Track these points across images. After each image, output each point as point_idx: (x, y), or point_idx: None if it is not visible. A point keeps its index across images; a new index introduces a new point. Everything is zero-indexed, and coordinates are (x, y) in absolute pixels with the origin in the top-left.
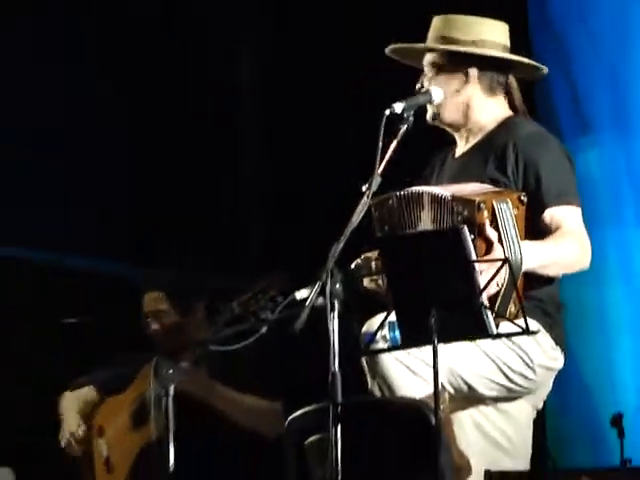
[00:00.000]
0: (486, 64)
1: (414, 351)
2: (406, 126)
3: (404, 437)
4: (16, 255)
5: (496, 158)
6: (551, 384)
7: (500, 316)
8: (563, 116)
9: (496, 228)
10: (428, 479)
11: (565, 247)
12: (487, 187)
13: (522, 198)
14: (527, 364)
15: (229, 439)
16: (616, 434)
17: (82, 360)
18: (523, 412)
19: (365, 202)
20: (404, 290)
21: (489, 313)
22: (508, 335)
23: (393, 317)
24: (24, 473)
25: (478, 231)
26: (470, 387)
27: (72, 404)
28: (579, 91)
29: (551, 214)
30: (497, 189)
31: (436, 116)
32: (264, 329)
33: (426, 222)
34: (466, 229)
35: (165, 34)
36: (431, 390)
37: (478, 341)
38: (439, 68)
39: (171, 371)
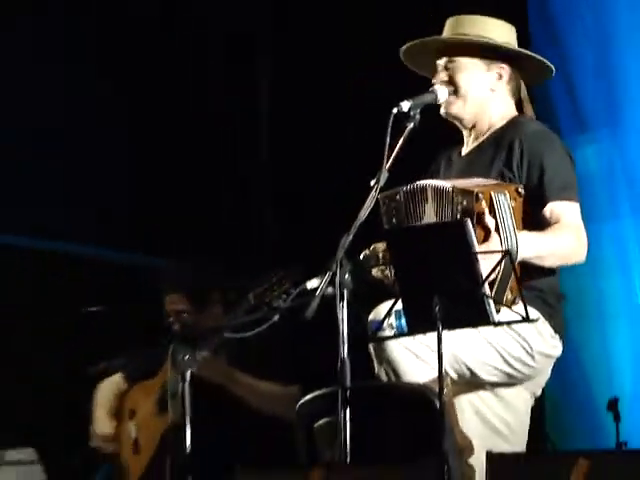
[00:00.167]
0: (515, 65)
1: (419, 337)
2: (413, 124)
3: (409, 420)
4: (36, 246)
5: (503, 154)
6: (549, 372)
7: (497, 303)
8: (562, 115)
9: (494, 218)
10: (432, 461)
11: (562, 239)
12: (488, 181)
13: (519, 190)
14: (527, 351)
15: (245, 422)
16: (612, 418)
17: (101, 347)
18: (521, 399)
19: (373, 196)
20: (410, 280)
21: (491, 302)
22: (509, 323)
23: (399, 306)
24: (46, 453)
25: (477, 220)
26: (472, 372)
27: (104, 399)
28: (577, 91)
29: (551, 208)
30: (496, 182)
31: (454, 109)
32: (276, 317)
33: (430, 214)
34: (469, 222)
35: (165, 34)
36: (435, 375)
37: (480, 328)
38: (470, 64)
39: (187, 357)
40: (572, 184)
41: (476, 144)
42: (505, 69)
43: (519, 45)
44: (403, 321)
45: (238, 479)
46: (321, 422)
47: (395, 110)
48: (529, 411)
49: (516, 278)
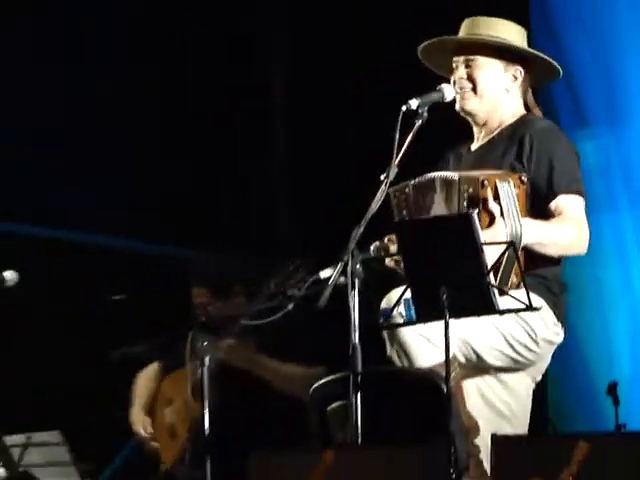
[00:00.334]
0: (526, 67)
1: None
2: (420, 121)
3: (418, 404)
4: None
5: (514, 148)
6: (550, 358)
7: (502, 286)
8: (562, 111)
9: (499, 204)
10: (439, 442)
11: (564, 230)
12: (493, 171)
13: (523, 178)
14: (532, 337)
15: (271, 406)
16: (611, 402)
17: (125, 333)
18: (523, 384)
19: (383, 190)
20: (418, 270)
21: (496, 291)
22: (513, 311)
23: (409, 294)
24: (73, 436)
25: (482, 206)
26: (479, 357)
27: (142, 391)
28: (577, 89)
29: (557, 201)
30: (501, 172)
31: (469, 105)
32: (290, 306)
33: (438, 204)
34: (475, 215)
35: (166, 34)
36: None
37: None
38: (489, 64)
39: (205, 343)
40: (578, 179)
41: (487, 140)
42: (520, 71)
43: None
44: (412, 311)
45: (253, 460)
46: (334, 405)
47: (404, 108)
48: (530, 395)
49: (519, 264)
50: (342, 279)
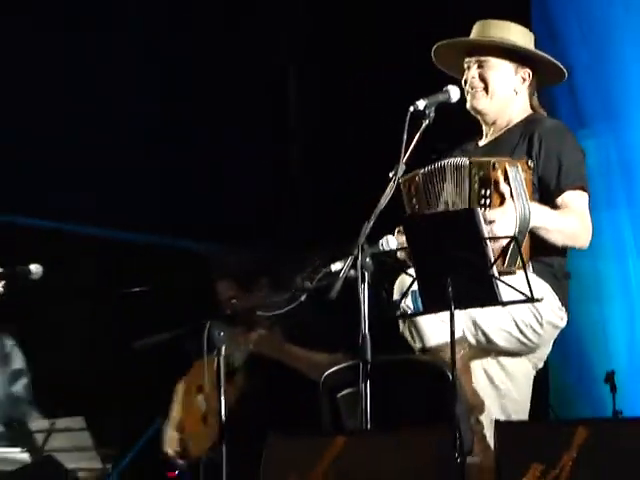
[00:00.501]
0: (537, 69)
1: None
2: (427, 121)
3: (425, 390)
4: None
5: (524, 145)
6: (551, 345)
7: (510, 267)
8: (563, 111)
9: (508, 185)
10: (445, 426)
11: (568, 220)
12: (502, 158)
13: (530, 164)
14: (537, 320)
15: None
16: (609, 389)
17: (149, 324)
18: (524, 370)
19: (392, 187)
20: (425, 263)
21: (499, 283)
22: (515, 302)
23: (416, 286)
24: (95, 421)
25: (493, 187)
26: (488, 338)
27: (177, 408)
28: (576, 89)
29: (564, 196)
30: (508, 158)
31: (480, 104)
32: (303, 297)
33: (448, 191)
34: (479, 210)
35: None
36: (456, 336)
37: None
38: (501, 66)
39: (222, 334)
40: (583, 176)
41: (495, 136)
42: (528, 73)
43: None
44: (419, 301)
45: (267, 443)
46: (344, 393)
47: (412, 108)
48: (531, 381)
49: (521, 255)
50: (352, 272)
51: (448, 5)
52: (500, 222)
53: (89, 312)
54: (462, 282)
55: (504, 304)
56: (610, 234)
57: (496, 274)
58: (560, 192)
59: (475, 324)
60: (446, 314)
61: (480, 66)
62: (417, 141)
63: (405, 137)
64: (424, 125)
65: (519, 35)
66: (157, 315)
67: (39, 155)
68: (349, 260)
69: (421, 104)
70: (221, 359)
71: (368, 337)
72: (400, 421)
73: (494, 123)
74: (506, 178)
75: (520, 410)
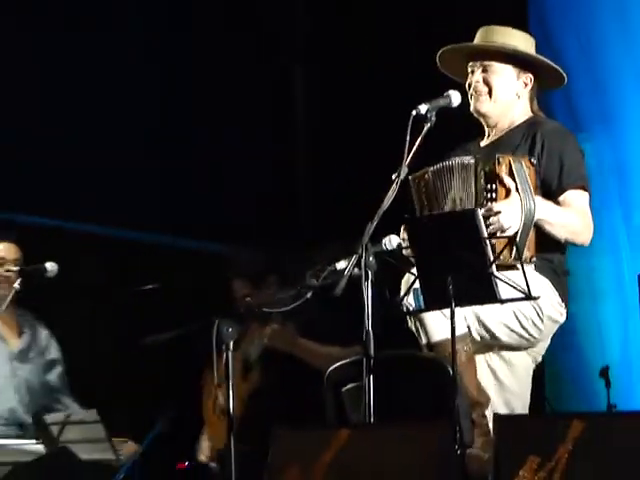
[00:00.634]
0: (538, 74)
1: None
2: (429, 124)
3: (427, 385)
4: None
5: (526, 145)
6: (549, 339)
7: (517, 260)
8: (559, 114)
9: (513, 179)
10: (445, 420)
11: (570, 216)
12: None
13: (532, 161)
14: (538, 314)
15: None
16: (604, 384)
17: (158, 321)
18: (525, 364)
19: (394, 188)
20: (426, 262)
21: (498, 282)
22: (513, 300)
23: (418, 284)
24: (109, 415)
25: (499, 181)
26: (491, 334)
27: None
28: (571, 94)
29: (566, 195)
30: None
31: (484, 107)
32: (309, 294)
33: (456, 188)
34: (479, 211)
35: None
36: (460, 332)
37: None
38: (504, 70)
39: (230, 329)
40: (584, 176)
41: (497, 137)
42: (530, 78)
43: None
44: (421, 299)
45: (273, 436)
46: (348, 387)
47: (414, 112)
48: (530, 375)
49: (534, 237)
50: (356, 270)
51: (448, 5)
52: (506, 213)
53: (103, 309)
54: (462, 280)
55: (503, 302)
56: (604, 233)
57: (495, 272)
58: (562, 191)
59: (479, 320)
60: (449, 309)
61: (484, 70)
62: (419, 144)
63: (408, 140)
64: (426, 129)
65: (521, 40)
66: (165, 313)
67: (39, 155)
68: (353, 259)
69: (423, 108)
70: (229, 354)
71: (372, 333)
72: (403, 415)
73: (496, 125)
74: (510, 172)
75: (521, 403)
